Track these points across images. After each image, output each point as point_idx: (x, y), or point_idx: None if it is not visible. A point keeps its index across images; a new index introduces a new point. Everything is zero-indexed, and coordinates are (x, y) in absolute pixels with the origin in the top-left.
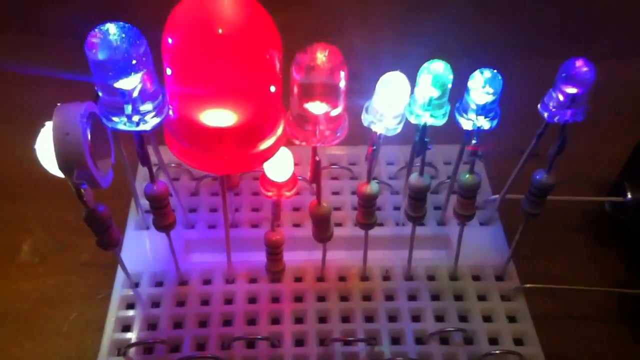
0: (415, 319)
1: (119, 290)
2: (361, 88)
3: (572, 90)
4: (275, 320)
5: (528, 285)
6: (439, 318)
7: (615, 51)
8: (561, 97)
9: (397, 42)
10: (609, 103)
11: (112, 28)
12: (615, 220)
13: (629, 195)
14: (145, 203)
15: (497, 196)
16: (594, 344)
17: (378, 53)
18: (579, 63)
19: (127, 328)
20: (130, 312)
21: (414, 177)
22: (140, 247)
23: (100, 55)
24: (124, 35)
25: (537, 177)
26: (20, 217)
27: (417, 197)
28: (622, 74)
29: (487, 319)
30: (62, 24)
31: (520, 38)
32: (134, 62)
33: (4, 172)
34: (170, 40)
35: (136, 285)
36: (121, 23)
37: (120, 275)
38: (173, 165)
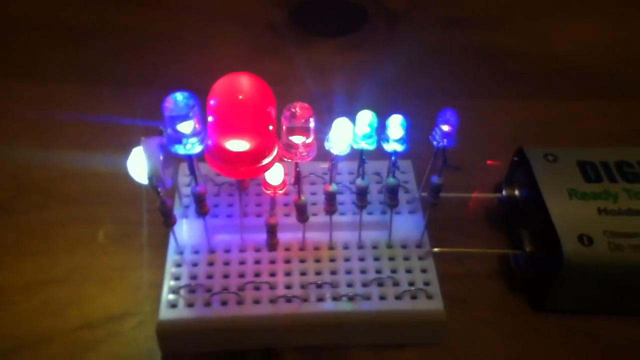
0: (363, 272)
1: (172, 255)
2: (322, 127)
3: (446, 127)
4: (273, 274)
5: (435, 250)
6: (378, 271)
7: (521, 94)
8: (440, 132)
9: (350, 89)
10: (511, 134)
11: (179, 96)
12: (502, 212)
13: (503, 193)
14: (184, 200)
15: (418, 194)
16: (481, 291)
17: (335, 98)
18: (448, 113)
19: (177, 278)
20: (179, 269)
21: (358, 181)
22: (180, 230)
23: (172, 113)
24: (185, 100)
25: (432, 179)
26: (97, 215)
27: (360, 193)
28: (524, 112)
29: (408, 271)
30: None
31: (452, 84)
32: (190, 114)
33: (89, 185)
34: (211, 102)
35: (181, 252)
36: (185, 92)
37: (172, 246)
38: (202, 175)
